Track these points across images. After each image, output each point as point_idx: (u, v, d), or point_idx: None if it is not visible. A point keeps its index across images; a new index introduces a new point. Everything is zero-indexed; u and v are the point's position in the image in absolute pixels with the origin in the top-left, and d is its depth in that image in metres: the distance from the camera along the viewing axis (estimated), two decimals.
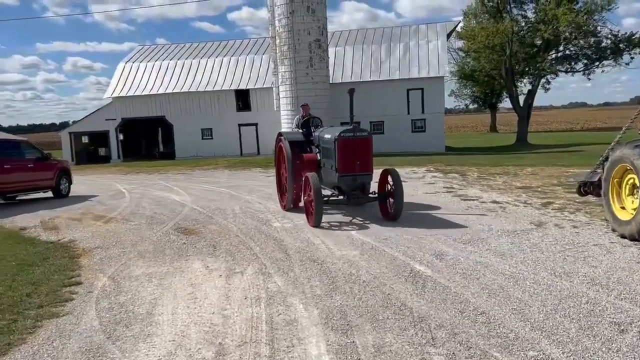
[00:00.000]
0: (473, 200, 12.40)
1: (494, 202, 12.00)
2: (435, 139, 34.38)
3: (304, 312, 5.26)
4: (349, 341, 4.52)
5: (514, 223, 9.36)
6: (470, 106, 76.20)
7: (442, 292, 5.68)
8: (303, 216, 10.54)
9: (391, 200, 10.09)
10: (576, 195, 12.48)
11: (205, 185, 18.17)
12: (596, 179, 9.03)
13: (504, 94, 68.57)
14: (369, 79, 35.13)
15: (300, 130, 11.91)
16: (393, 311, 5.17)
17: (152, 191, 17.24)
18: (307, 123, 11.86)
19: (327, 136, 10.35)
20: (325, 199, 10.07)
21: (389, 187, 10.20)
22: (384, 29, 39.35)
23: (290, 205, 11.49)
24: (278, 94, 32.61)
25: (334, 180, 10.07)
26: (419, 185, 15.67)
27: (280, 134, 12.07)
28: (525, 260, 6.82)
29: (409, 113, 34.86)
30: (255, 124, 36.31)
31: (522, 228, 8.91)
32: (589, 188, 9.29)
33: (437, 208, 11.38)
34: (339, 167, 9.69)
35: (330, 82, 32.52)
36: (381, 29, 39.70)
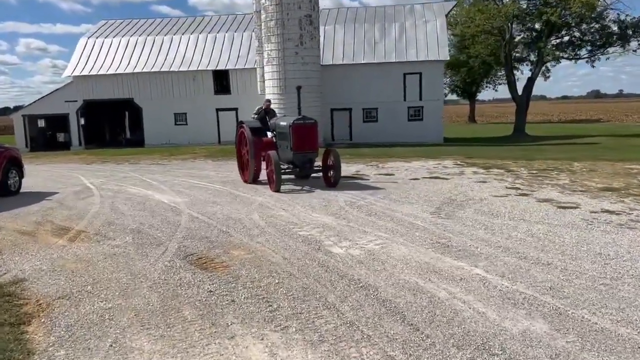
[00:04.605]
0: (573, 208, 9.29)
1: (606, 211, 8.92)
2: (433, 128, 31.22)
3: None
4: None
5: None
6: (450, 96, 73.63)
7: None
8: (362, 234, 7.34)
9: (332, 172, 12.54)
10: None
11: (192, 181, 14.56)
12: None
13: (484, 83, 66.36)
14: (363, 62, 31.70)
15: (256, 117, 14.20)
16: None
17: (127, 187, 13.54)
18: (266, 113, 14.14)
19: (283, 123, 12.80)
20: (282, 170, 12.27)
21: (330, 162, 12.60)
22: (376, 8, 35.95)
23: (251, 179, 13.38)
24: (263, 75, 28.93)
25: (289, 157, 12.45)
26: (472, 184, 12.49)
27: (241, 122, 14.17)
28: None
29: (405, 100, 31.65)
30: (235, 109, 32.28)
31: None
32: None
33: (542, 222, 8.19)
34: (294, 146, 12.14)
35: (321, 64, 29.04)
36: (373, 7, 36.34)
